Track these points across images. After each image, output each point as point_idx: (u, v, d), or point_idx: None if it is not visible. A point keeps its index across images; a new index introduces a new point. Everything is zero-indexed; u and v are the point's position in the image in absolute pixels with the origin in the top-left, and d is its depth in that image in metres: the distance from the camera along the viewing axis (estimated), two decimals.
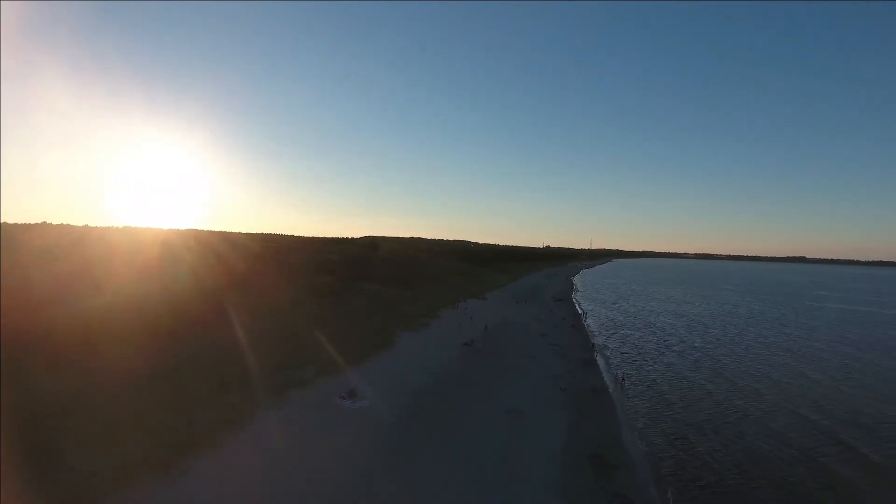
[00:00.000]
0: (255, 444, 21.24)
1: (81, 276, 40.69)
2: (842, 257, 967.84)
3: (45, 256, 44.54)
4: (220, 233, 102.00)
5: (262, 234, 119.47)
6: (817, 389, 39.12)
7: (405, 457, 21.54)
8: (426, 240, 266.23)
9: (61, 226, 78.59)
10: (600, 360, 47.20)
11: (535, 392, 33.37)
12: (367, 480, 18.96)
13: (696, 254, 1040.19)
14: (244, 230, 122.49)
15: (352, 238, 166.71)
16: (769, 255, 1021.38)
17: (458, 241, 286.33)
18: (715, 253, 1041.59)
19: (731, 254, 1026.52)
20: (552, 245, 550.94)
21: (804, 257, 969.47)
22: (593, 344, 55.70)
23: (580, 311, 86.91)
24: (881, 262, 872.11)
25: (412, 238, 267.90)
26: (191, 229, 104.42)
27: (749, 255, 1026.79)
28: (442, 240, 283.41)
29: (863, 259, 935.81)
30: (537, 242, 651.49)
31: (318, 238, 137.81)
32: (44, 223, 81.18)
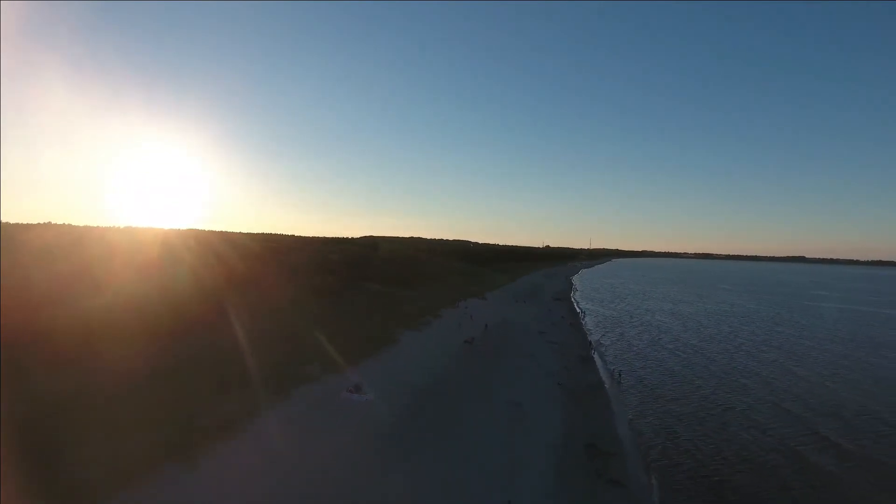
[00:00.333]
0: (259, 442, 22.09)
1: (82, 276, 41.25)
2: (842, 257, 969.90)
3: (45, 256, 45.10)
4: (221, 233, 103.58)
5: (262, 234, 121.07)
6: (802, 385, 40.86)
7: (409, 448, 23.19)
8: (426, 240, 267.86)
9: (64, 226, 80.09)
10: (597, 358, 48.90)
11: (533, 388, 35.03)
12: (376, 468, 20.59)
13: (695, 253, 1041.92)
14: (244, 230, 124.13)
15: (352, 238, 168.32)
16: (769, 255, 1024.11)
17: (458, 240, 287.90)
18: (714, 253, 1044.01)
19: (731, 253, 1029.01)
20: (552, 245, 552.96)
21: (804, 257, 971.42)
22: (591, 342, 57.43)
23: (578, 311, 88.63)
24: (881, 261, 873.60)
25: (412, 238, 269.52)
26: (191, 229, 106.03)
27: (748, 254, 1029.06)
28: (442, 240, 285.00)
29: (863, 259, 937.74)
30: (537, 242, 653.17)
31: (319, 238, 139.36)
32: (48, 223, 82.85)
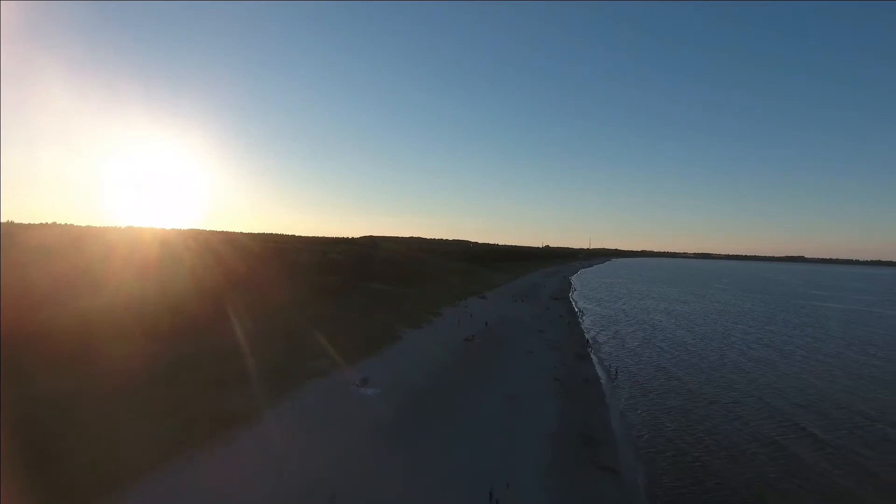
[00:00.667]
0: (277, 429, 23.73)
1: (83, 276, 41.96)
2: (841, 257, 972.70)
3: (46, 256, 46.15)
4: (223, 233, 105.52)
5: (264, 234, 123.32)
6: (785, 380, 42.92)
7: (415, 434, 25.07)
8: (426, 240, 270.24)
9: (67, 226, 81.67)
10: (593, 355, 50.81)
11: (532, 382, 36.94)
12: (384, 452, 22.56)
13: (694, 253, 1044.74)
14: (244, 230, 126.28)
15: (352, 238, 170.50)
16: (768, 255, 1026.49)
17: (458, 240, 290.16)
18: (714, 252, 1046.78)
19: (730, 253, 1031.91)
20: (551, 244, 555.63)
21: (803, 257, 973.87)
22: (587, 340, 59.35)
23: (576, 310, 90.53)
24: (880, 261, 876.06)
25: (412, 238, 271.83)
26: (193, 229, 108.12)
27: (747, 254, 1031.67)
28: (442, 240, 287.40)
29: (861, 259, 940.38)
30: (536, 242, 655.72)
31: (320, 238, 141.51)
32: (53, 223, 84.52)
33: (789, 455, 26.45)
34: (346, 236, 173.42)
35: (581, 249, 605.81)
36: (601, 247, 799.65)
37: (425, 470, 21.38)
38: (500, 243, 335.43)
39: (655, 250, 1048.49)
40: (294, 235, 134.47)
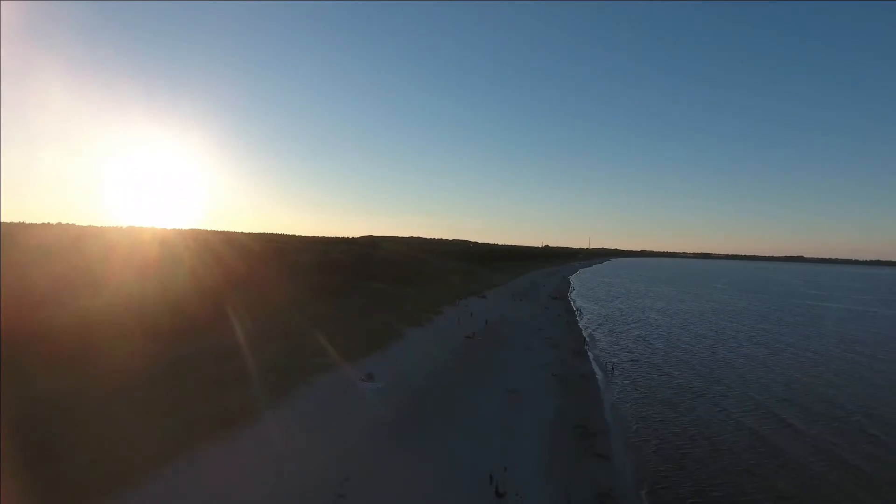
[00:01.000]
0: (289, 422, 25.15)
1: (83, 276, 42.15)
2: (840, 257, 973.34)
3: (46, 255, 46.04)
4: (223, 233, 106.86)
5: (264, 234, 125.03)
6: (771, 375, 44.84)
7: (418, 427, 26.87)
8: (426, 239, 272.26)
9: (68, 226, 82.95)
10: (590, 352, 52.60)
11: (530, 378, 38.77)
12: (389, 444, 24.34)
13: (694, 253, 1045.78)
14: (244, 230, 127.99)
15: (352, 238, 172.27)
16: (768, 255, 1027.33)
17: (458, 240, 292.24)
18: (713, 252, 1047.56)
19: (730, 253, 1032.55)
20: (551, 244, 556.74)
21: (802, 256, 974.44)
22: (585, 338, 61.14)
23: (575, 309, 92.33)
24: (879, 261, 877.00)
25: (412, 238, 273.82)
26: (193, 229, 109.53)
27: (747, 254, 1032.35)
28: (442, 239, 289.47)
29: (861, 259, 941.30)
30: (536, 242, 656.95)
31: (320, 238, 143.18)
32: (57, 223, 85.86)
33: (767, 444, 28.30)
34: (346, 236, 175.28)
35: (581, 249, 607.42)
36: (601, 246, 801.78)
37: (428, 458, 22.95)
38: (499, 243, 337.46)
39: (655, 250, 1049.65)
40: (294, 235, 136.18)
